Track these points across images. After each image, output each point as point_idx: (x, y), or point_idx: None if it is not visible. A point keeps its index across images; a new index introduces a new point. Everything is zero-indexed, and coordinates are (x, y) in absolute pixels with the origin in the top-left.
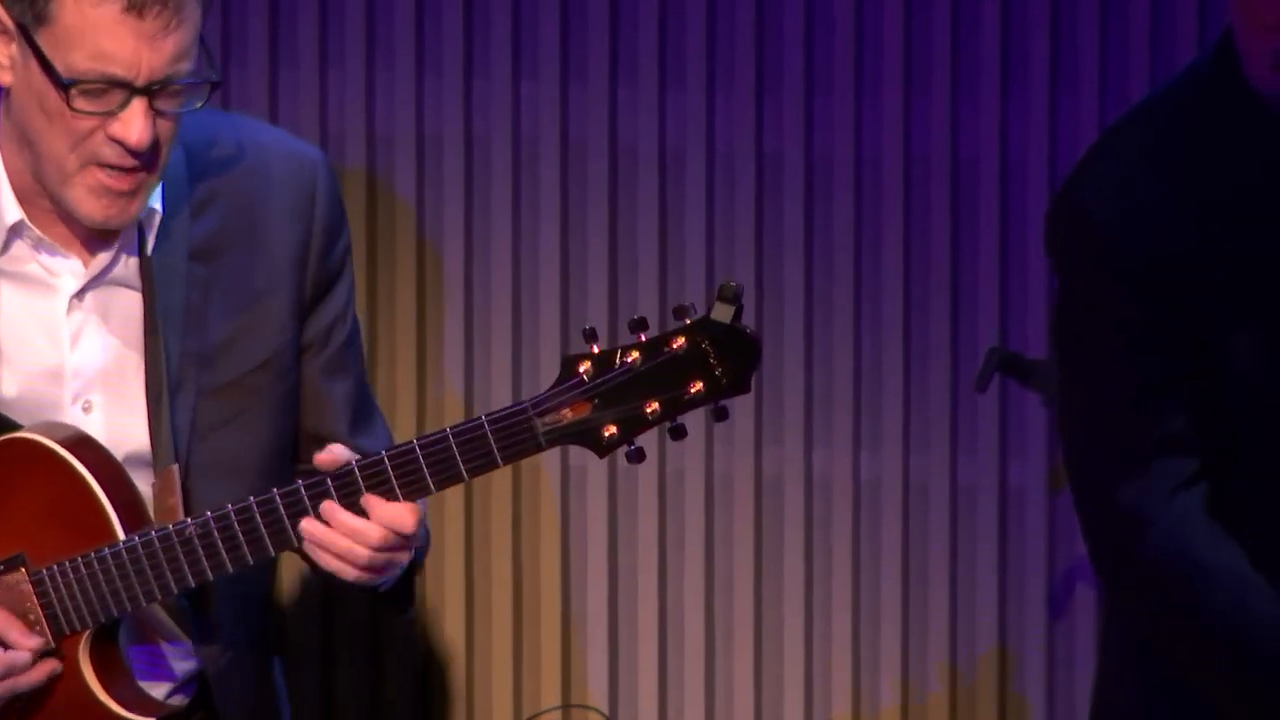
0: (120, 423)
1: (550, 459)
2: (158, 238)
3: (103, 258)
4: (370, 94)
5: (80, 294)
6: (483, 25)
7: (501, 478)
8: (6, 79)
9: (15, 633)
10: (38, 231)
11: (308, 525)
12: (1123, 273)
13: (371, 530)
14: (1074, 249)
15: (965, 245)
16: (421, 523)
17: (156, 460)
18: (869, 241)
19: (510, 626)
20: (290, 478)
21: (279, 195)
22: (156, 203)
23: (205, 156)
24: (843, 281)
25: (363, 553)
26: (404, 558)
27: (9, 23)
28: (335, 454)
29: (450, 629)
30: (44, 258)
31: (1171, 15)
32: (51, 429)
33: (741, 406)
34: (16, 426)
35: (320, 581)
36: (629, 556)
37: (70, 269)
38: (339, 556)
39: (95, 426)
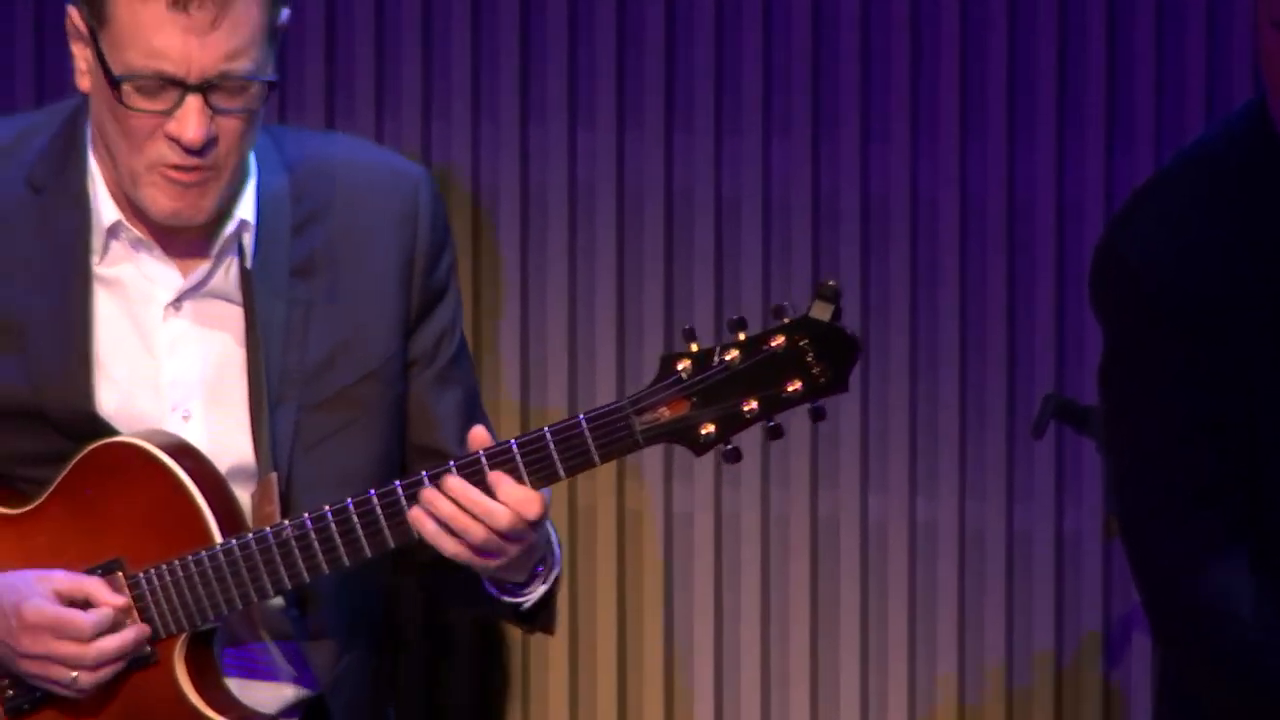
0: (220, 433)
1: (602, 494)
2: (259, 253)
3: (200, 269)
4: (426, 143)
5: (177, 303)
6: (539, 73)
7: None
8: (85, 84)
9: (102, 592)
10: (135, 231)
11: (427, 494)
12: (1173, 313)
13: (495, 507)
14: (1123, 290)
15: (1021, 291)
16: (543, 520)
17: (259, 472)
18: (925, 285)
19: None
20: None
21: (382, 213)
22: (249, 213)
23: (308, 174)
24: (898, 325)
25: (477, 530)
26: (511, 549)
27: (83, 27)
28: (476, 437)
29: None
30: (142, 258)
31: (1226, 66)
32: (153, 435)
33: (797, 449)
34: (112, 428)
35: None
36: (684, 597)
37: (167, 278)
38: (451, 527)
39: (195, 436)
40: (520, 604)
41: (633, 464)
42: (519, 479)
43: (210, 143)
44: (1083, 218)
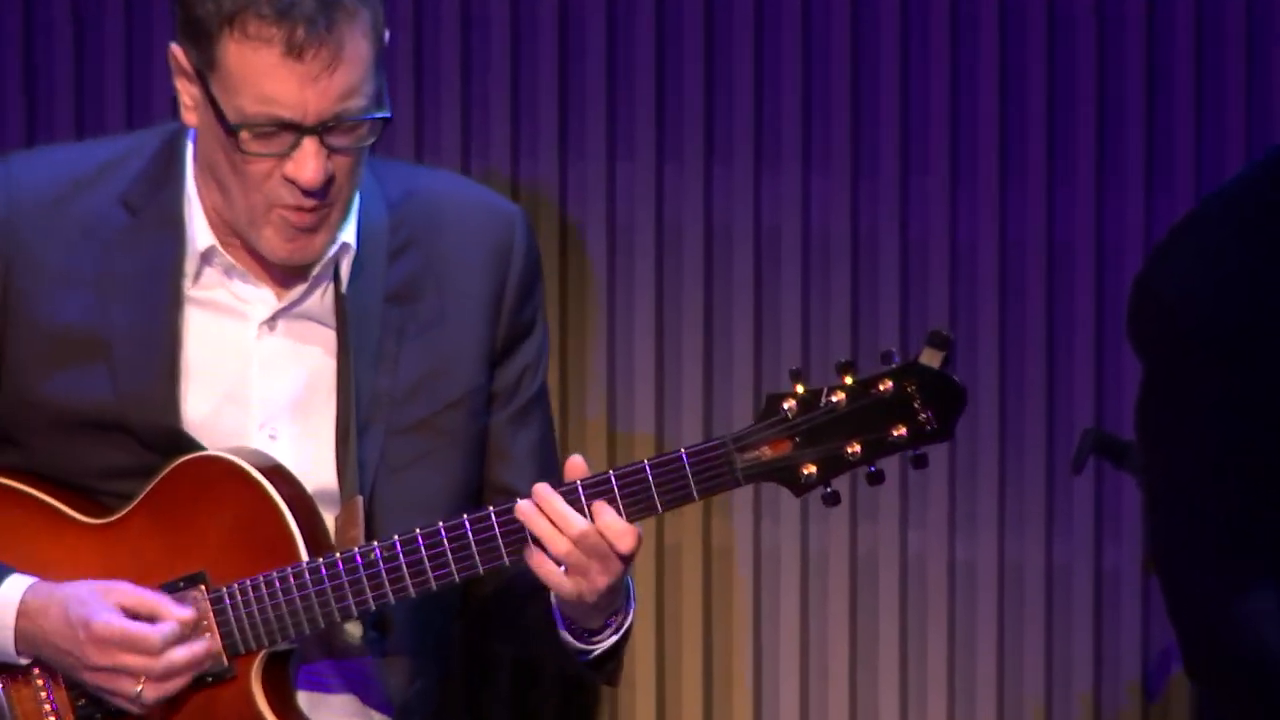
0: (306, 453)
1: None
2: (354, 277)
3: (296, 290)
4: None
5: (271, 322)
6: (578, 107)
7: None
8: (192, 119)
9: (168, 606)
10: (229, 258)
11: (522, 505)
12: (1207, 343)
13: (589, 529)
14: (1159, 324)
15: (1060, 327)
16: (633, 557)
17: (342, 494)
18: (964, 322)
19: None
20: None
21: (476, 245)
22: (350, 237)
23: (406, 204)
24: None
25: (563, 542)
26: (600, 581)
27: (189, 67)
28: (574, 467)
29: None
30: (235, 284)
31: (1265, 108)
32: (244, 452)
33: (836, 485)
34: (197, 444)
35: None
36: (723, 633)
37: (261, 298)
38: (541, 538)
39: (281, 455)
40: (589, 651)
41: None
42: (616, 509)
43: (327, 181)
44: (1122, 256)
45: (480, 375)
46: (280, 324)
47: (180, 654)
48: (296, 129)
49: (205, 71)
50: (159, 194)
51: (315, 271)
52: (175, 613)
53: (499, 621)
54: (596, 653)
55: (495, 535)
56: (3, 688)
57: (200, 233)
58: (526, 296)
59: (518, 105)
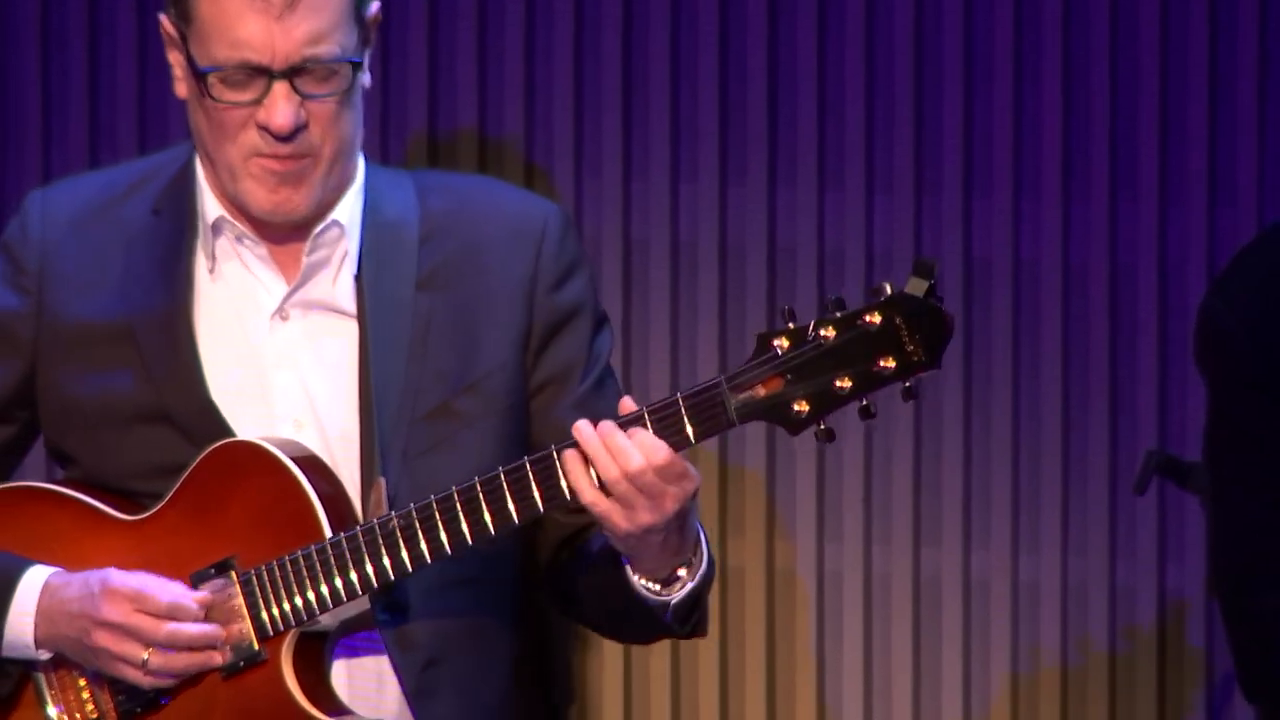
0: (331, 440)
1: None
2: (379, 264)
3: (301, 276)
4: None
5: (283, 311)
6: (641, 126)
7: None
8: (182, 90)
9: (181, 586)
10: (239, 225)
11: (579, 425)
12: (1265, 372)
13: (631, 452)
14: (1218, 350)
15: (1124, 348)
16: (691, 508)
17: (364, 477)
18: (1028, 344)
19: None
20: None
21: (506, 231)
22: (344, 217)
23: (437, 194)
24: (1001, 384)
25: (611, 467)
26: (645, 516)
27: (174, 32)
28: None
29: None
30: (247, 254)
31: None
32: (276, 440)
33: (899, 507)
34: (230, 428)
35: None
36: (786, 655)
37: (271, 283)
38: (592, 460)
39: (309, 442)
40: (668, 600)
41: (734, 520)
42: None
43: (302, 130)
44: (1185, 275)
45: (501, 356)
46: (292, 313)
47: (187, 628)
48: (266, 73)
49: (185, 30)
50: (177, 190)
51: (309, 250)
52: (192, 593)
53: (575, 588)
54: (674, 602)
55: (505, 496)
56: (50, 692)
57: (209, 206)
58: (562, 280)
59: (580, 124)
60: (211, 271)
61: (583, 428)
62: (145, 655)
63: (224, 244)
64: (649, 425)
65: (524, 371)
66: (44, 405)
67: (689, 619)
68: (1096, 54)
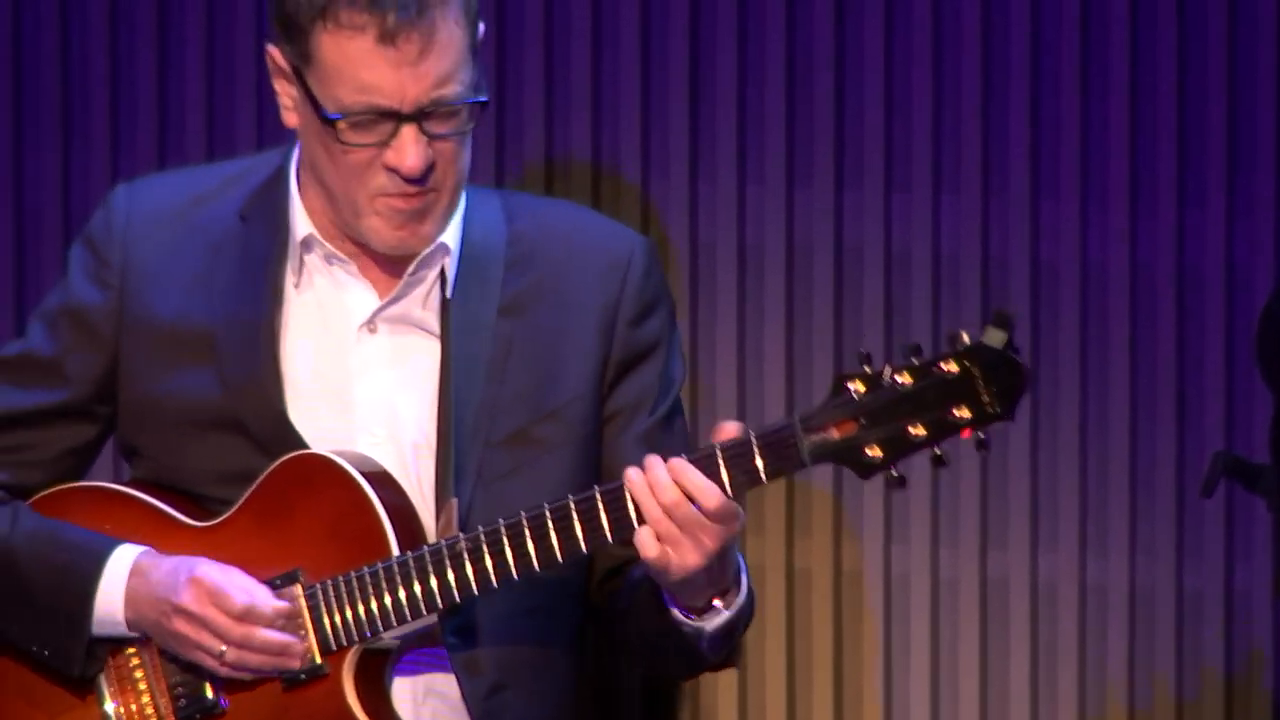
0: (407, 459)
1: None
2: (466, 287)
3: (397, 292)
4: (596, 203)
5: (371, 324)
6: (708, 130)
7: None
8: (292, 120)
9: (262, 592)
10: (329, 245)
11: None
12: None
13: (673, 492)
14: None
15: (1191, 350)
16: (733, 546)
17: (439, 500)
18: (1095, 348)
19: None
20: None
21: (593, 262)
22: (451, 241)
23: (527, 220)
24: (1069, 384)
25: (653, 506)
26: (691, 558)
27: (286, 65)
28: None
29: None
30: (337, 273)
31: None
32: (345, 452)
33: (966, 510)
34: (307, 446)
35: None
36: (853, 658)
37: (361, 297)
38: (637, 498)
39: (381, 459)
40: (702, 628)
41: (801, 522)
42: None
43: (428, 168)
44: (1252, 278)
45: (581, 387)
46: (381, 327)
47: (261, 632)
48: (395, 116)
49: (301, 67)
50: (268, 200)
51: (412, 270)
52: (272, 601)
53: (617, 617)
54: (709, 630)
55: (574, 526)
56: (109, 690)
57: (300, 223)
58: (644, 316)
59: (648, 123)
60: (298, 286)
61: (654, 462)
62: (223, 648)
63: (313, 260)
64: (721, 463)
65: (599, 401)
66: (123, 400)
67: (722, 649)
68: (1164, 63)
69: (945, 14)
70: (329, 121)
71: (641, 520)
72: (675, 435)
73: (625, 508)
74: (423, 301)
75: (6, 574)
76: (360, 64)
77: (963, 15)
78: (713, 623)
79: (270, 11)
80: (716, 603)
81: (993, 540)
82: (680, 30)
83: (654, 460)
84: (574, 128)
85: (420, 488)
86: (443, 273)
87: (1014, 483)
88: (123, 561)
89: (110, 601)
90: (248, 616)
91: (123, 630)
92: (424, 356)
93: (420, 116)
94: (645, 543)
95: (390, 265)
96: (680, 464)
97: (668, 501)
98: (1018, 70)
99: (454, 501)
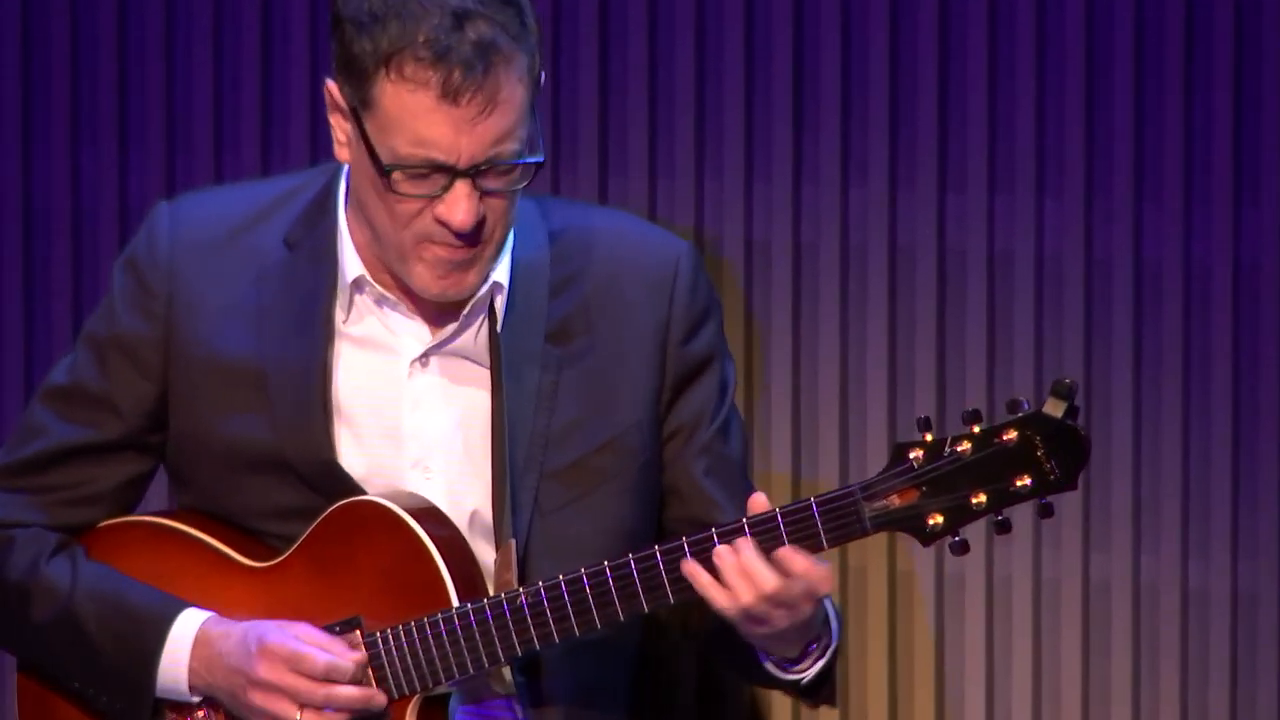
0: (460, 492)
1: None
2: (514, 316)
3: (449, 327)
4: (700, 202)
5: (423, 359)
6: (811, 132)
7: None
8: (345, 155)
9: (338, 646)
10: (379, 288)
11: (689, 566)
12: None
13: (762, 570)
14: None
15: None
16: (818, 600)
17: (498, 535)
18: (1198, 346)
19: None
20: None
21: (638, 280)
22: (503, 276)
23: (568, 240)
24: (1171, 385)
25: (747, 593)
26: (780, 619)
27: (344, 103)
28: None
29: None
30: (388, 314)
31: None
32: (397, 495)
33: (1069, 511)
34: (354, 481)
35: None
36: (955, 661)
37: (414, 332)
38: (726, 593)
39: (434, 493)
40: (799, 680)
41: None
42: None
43: (479, 223)
44: None
45: (640, 412)
46: (433, 361)
47: (343, 691)
48: (449, 171)
49: (360, 109)
50: (314, 229)
51: (467, 310)
52: (349, 654)
53: (715, 657)
54: (806, 680)
55: (635, 584)
56: None
57: (350, 263)
58: (695, 329)
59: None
60: (348, 323)
61: (724, 555)
62: (298, 715)
63: (363, 300)
64: (782, 529)
65: (657, 425)
66: (172, 430)
67: (819, 692)
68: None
69: (1050, 17)
70: (384, 172)
71: (707, 600)
72: (733, 440)
73: (660, 577)
74: (474, 335)
75: (70, 632)
76: (420, 118)
77: (1066, 19)
78: (809, 673)
79: (333, 47)
80: (812, 647)
81: (1095, 542)
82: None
83: (748, 555)
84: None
85: (475, 522)
86: (491, 305)
87: (1116, 483)
88: (187, 630)
89: (175, 671)
90: (331, 675)
91: (186, 698)
92: (476, 389)
93: (474, 173)
94: (738, 622)
95: (442, 306)
96: (789, 553)
97: (770, 590)
98: (1121, 71)
99: (512, 543)
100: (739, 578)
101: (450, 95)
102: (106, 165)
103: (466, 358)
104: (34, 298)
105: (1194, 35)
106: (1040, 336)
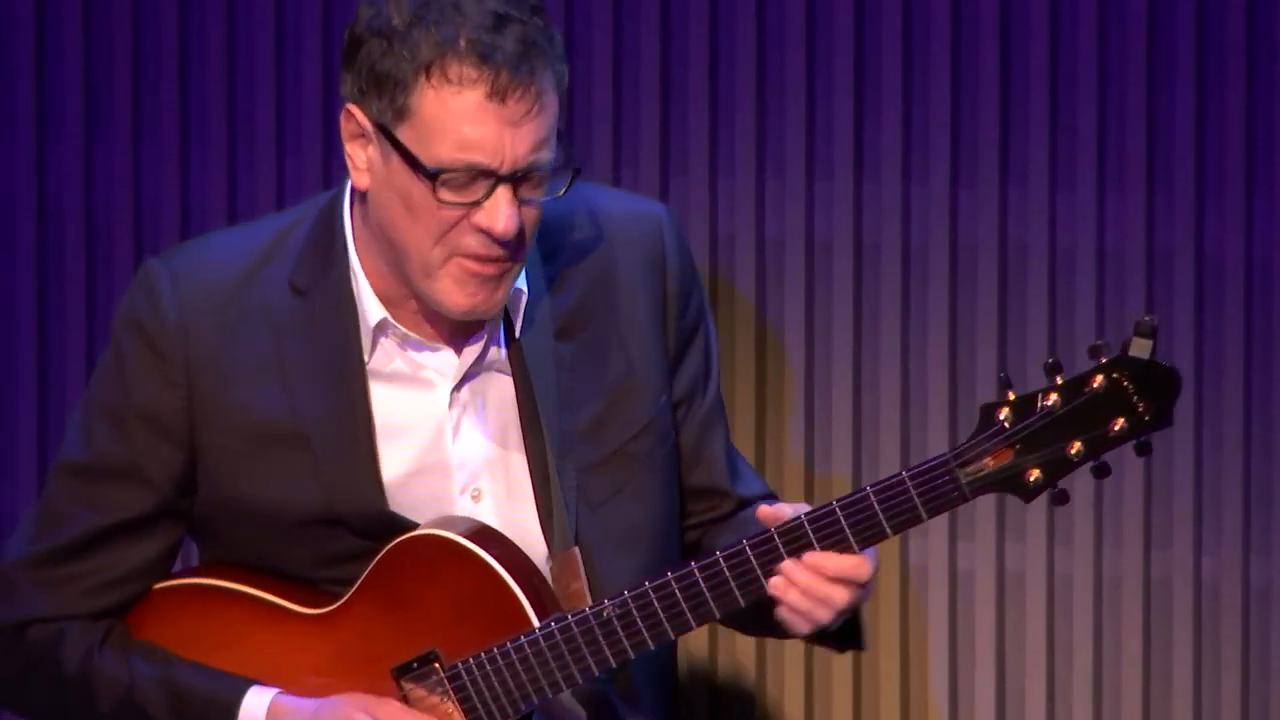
0: (510, 507)
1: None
2: (523, 320)
3: (474, 348)
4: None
5: (459, 386)
6: (873, 129)
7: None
8: (364, 182)
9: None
10: (402, 328)
11: (779, 574)
12: None
13: (832, 589)
14: None
15: None
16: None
17: (549, 541)
18: (1260, 341)
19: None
20: (680, 540)
21: (630, 261)
22: (522, 284)
23: (554, 233)
24: (1232, 382)
25: (800, 600)
26: (829, 617)
27: (367, 124)
28: (778, 512)
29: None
30: (411, 353)
31: None
32: (451, 523)
33: (1130, 508)
34: (408, 523)
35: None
36: (1016, 659)
37: (441, 361)
38: (795, 611)
39: (486, 514)
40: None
41: (964, 523)
42: (844, 541)
43: (517, 233)
44: None
45: (664, 392)
46: (465, 385)
47: None
48: (492, 176)
49: (393, 123)
50: (325, 272)
51: (490, 325)
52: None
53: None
54: (833, 626)
55: (727, 580)
56: None
57: (371, 307)
58: (686, 298)
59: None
60: (376, 370)
61: (792, 571)
62: None
63: (388, 343)
64: (876, 505)
65: (672, 398)
66: (202, 494)
67: (846, 641)
68: None
69: (1111, 13)
70: (429, 176)
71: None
72: (722, 403)
73: (754, 575)
74: (496, 347)
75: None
76: (466, 119)
77: (1127, 14)
78: (834, 624)
79: (353, 70)
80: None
81: (1156, 539)
82: (844, 31)
83: (818, 559)
84: (739, 121)
85: (527, 532)
86: (506, 312)
87: (1178, 480)
88: (255, 707)
89: None
90: None
91: None
92: (506, 400)
93: (515, 179)
94: (785, 619)
95: (463, 328)
96: (833, 559)
97: (822, 595)
98: (1183, 66)
99: (575, 550)
100: (816, 604)
101: (499, 94)
102: (168, 165)
103: (494, 370)
104: (96, 302)
105: (1255, 31)
106: (1102, 330)
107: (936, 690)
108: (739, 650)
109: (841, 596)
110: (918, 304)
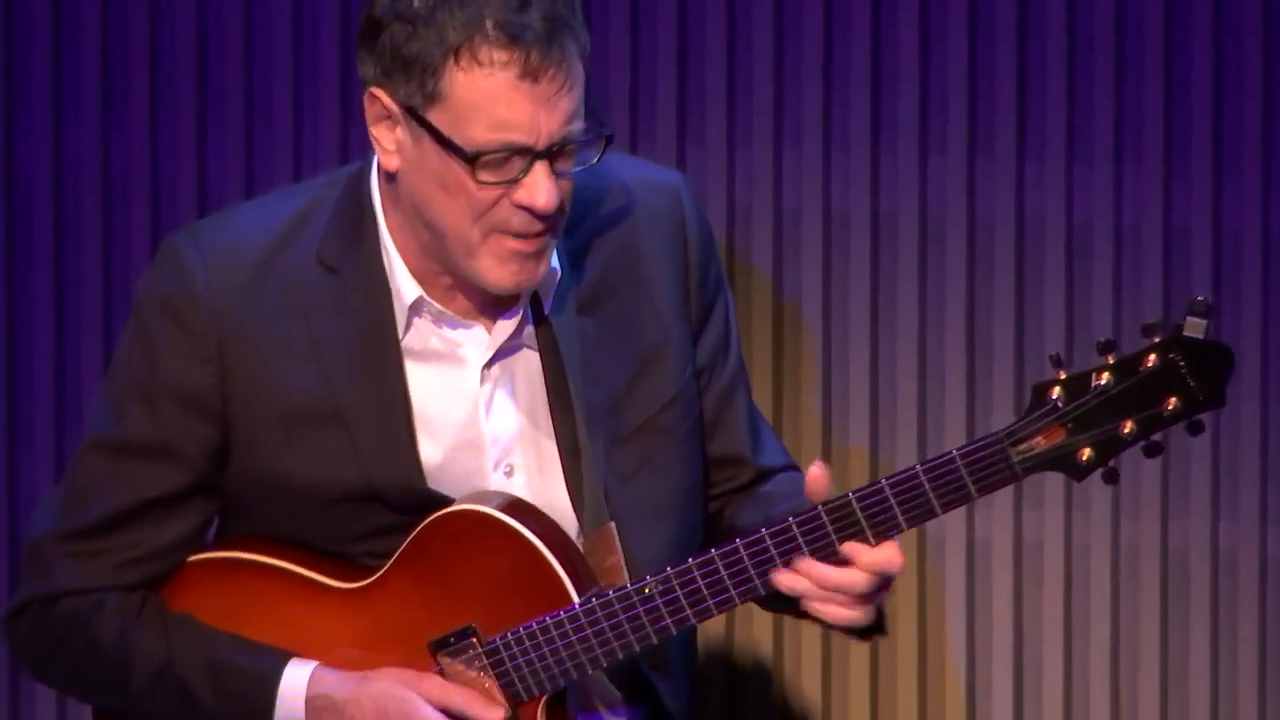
0: (541, 482)
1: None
2: (549, 296)
3: (506, 324)
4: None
5: (490, 363)
6: (889, 101)
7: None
8: (394, 164)
9: (478, 708)
10: (438, 306)
11: (784, 579)
12: None
13: (857, 578)
14: None
15: None
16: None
17: (580, 515)
18: (1275, 314)
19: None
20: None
21: (651, 232)
22: (555, 261)
23: (574, 206)
24: (1250, 357)
25: (845, 605)
26: (884, 596)
27: (395, 108)
28: (818, 484)
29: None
30: (445, 331)
31: None
32: (486, 497)
33: (1148, 479)
34: (445, 498)
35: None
36: (1033, 628)
37: (474, 339)
38: (823, 603)
39: (519, 489)
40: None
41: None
42: (892, 520)
43: (557, 206)
44: None
45: (689, 364)
46: (497, 361)
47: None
48: (528, 153)
49: (422, 106)
50: (355, 250)
51: (525, 301)
52: (485, 713)
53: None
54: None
55: (774, 562)
56: None
57: (405, 286)
58: (706, 267)
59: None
60: (412, 348)
61: (820, 573)
62: None
63: (422, 322)
64: (926, 483)
65: (696, 367)
66: (234, 470)
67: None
68: None
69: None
70: (468, 160)
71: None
72: (744, 367)
73: (801, 550)
74: (525, 323)
75: (175, 694)
76: (500, 100)
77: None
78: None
79: (374, 53)
80: None
81: (1174, 510)
82: (863, 11)
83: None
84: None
85: (559, 506)
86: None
87: (1195, 452)
88: (296, 682)
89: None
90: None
91: None
92: (535, 375)
93: (551, 153)
94: (817, 611)
95: (495, 299)
96: (871, 554)
97: (858, 592)
98: (1200, 42)
99: (610, 525)
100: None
101: (531, 74)
102: (184, 146)
103: (524, 346)
104: (113, 280)
105: (1272, 7)
106: (1118, 305)
107: (954, 659)
108: (755, 622)
109: (863, 584)
110: (935, 276)
